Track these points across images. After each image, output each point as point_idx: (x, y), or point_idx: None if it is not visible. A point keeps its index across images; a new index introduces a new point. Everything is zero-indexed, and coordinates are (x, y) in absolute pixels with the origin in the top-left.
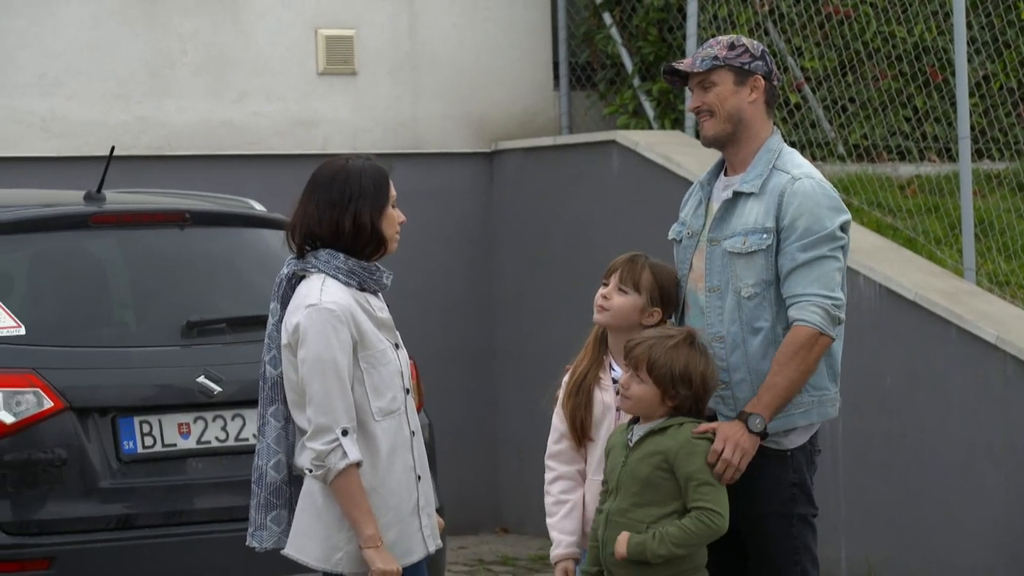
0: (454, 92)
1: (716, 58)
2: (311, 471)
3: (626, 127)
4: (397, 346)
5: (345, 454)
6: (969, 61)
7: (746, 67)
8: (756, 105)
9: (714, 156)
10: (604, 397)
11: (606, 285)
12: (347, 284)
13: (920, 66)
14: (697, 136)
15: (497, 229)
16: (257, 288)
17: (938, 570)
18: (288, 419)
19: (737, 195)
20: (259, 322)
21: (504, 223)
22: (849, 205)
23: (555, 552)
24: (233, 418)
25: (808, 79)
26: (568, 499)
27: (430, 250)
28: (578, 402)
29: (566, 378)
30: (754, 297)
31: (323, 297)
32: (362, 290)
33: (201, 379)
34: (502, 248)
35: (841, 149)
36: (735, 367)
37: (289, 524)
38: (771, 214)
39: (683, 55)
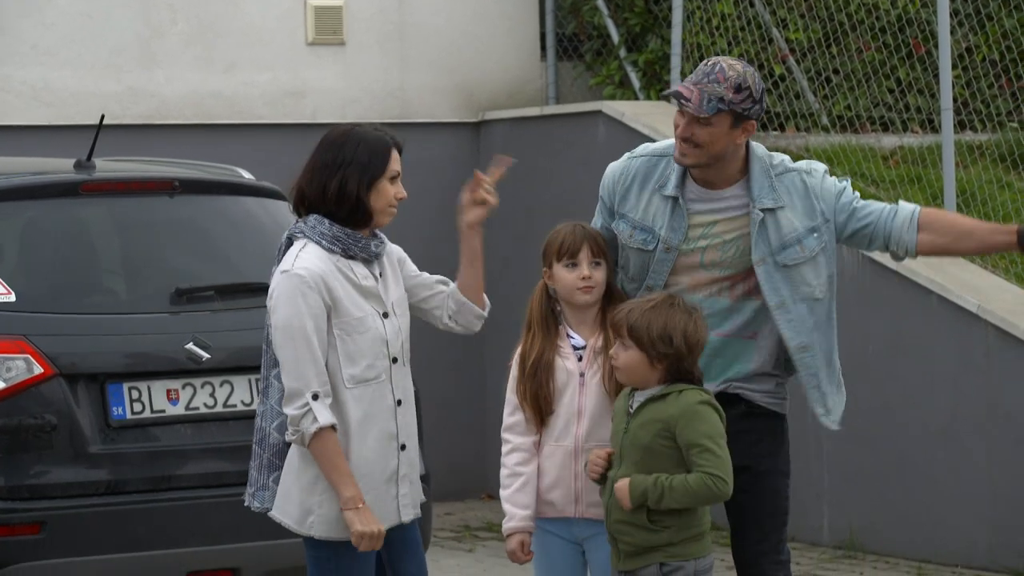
0: (442, 63)
1: (723, 100)
2: (289, 436)
3: (612, 98)
4: (385, 315)
5: (315, 418)
6: (952, 33)
7: (746, 113)
8: (740, 143)
9: None
10: (567, 364)
11: (574, 265)
12: (330, 250)
13: (903, 38)
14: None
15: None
16: (245, 256)
17: (921, 537)
18: None
19: (763, 211)
20: (247, 289)
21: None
22: (833, 175)
23: (508, 524)
24: (221, 384)
25: (793, 51)
26: (523, 471)
27: (417, 220)
28: (537, 382)
29: (516, 358)
30: (825, 295)
31: (296, 263)
32: (348, 257)
33: (190, 346)
34: (489, 218)
35: (825, 120)
36: (823, 365)
37: None
38: (807, 214)
39: (669, 27)
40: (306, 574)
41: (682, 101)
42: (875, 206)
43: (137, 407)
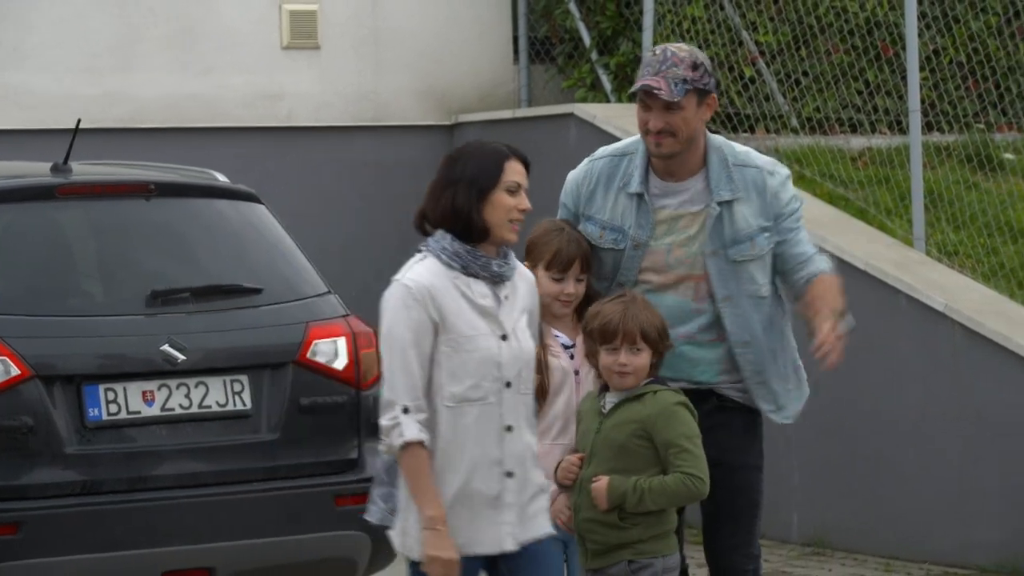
0: (416, 66)
1: (686, 81)
2: (380, 447)
3: (584, 100)
4: (504, 337)
5: (402, 432)
6: (919, 35)
7: (706, 88)
8: (706, 119)
9: None
10: (561, 363)
11: (560, 280)
12: (448, 265)
13: (872, 40)
14: None
15: None
16: (220, 258)
17: (890, 534)
18: None
19: (720, 204)
20: (222, 291)
21: None
22: (802, 177)
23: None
24: (196, 386)
25: (762, 53)
26: None
27: (391, 221)
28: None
29: None
30: (769, 294)
31: (408, 274)
32: (468, 275)
33: (165, 347)
34: None
35: (794, 122)
36: (768, 362)
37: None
38: (762, 212)
39: (640, 30)
40: (281, 573)
41: (654, 92)
42: (802, 246)
43: (113, 408)
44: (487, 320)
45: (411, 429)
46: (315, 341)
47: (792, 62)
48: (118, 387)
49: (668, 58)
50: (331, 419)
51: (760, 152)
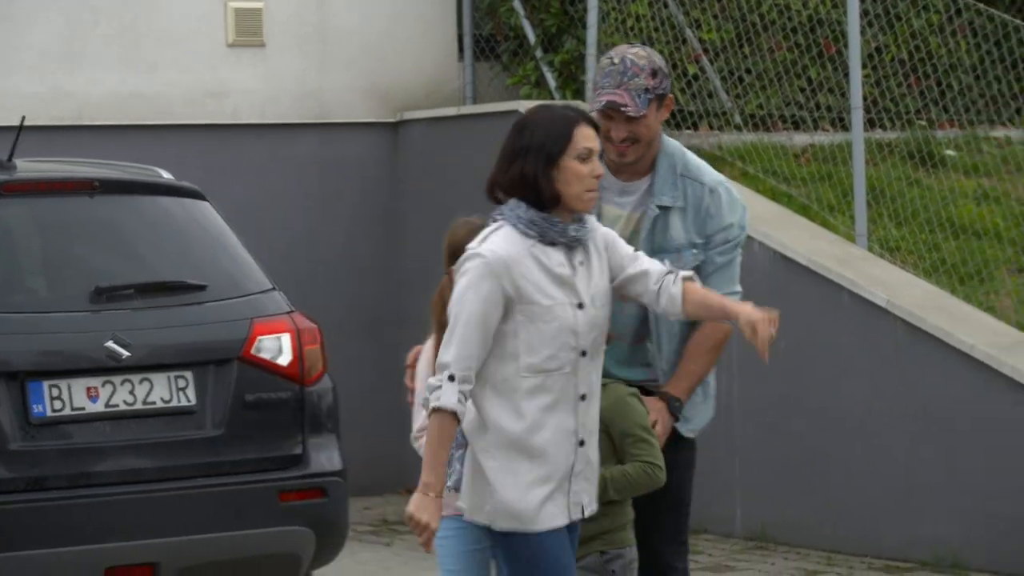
0: (360, 64)
1: (648, 91)
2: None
3: (529, 97)
4: (580, 305)
5: (439, 397)
6: (862, 33)
7: (664, 91)
8: (664, 119)
9: None
10: None
11: None
12: (525, 234)
13: (814, 38)
14: None
15: (402, 198)
16: (164, 255)
17: (832, 528)
18: None
19: (660, 208)
20: (166, 288)
21: (409, 192)
22: (745, 173)
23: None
24: (141, 382)
25: (706, 50)
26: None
27: (336, 218)
28: None
29: (429, 363)
30: None
31: (484, 244)
32: (545, 242)
33: (110, 344)
34: (407, 217)
35: (738, 119)
36: (667, 362)
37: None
38: (695, 228)
39: (584, 27)
40: (226, 569)
41: (621, 108)
42: (719, 285)
43: (57, 405)
44: (564, 289)
45: (450, 397)
46: (259, 337)
47: (735, 59)
48: (62, 383)
49: (628, 68)
50: (275, 415)
51: (704, 150)
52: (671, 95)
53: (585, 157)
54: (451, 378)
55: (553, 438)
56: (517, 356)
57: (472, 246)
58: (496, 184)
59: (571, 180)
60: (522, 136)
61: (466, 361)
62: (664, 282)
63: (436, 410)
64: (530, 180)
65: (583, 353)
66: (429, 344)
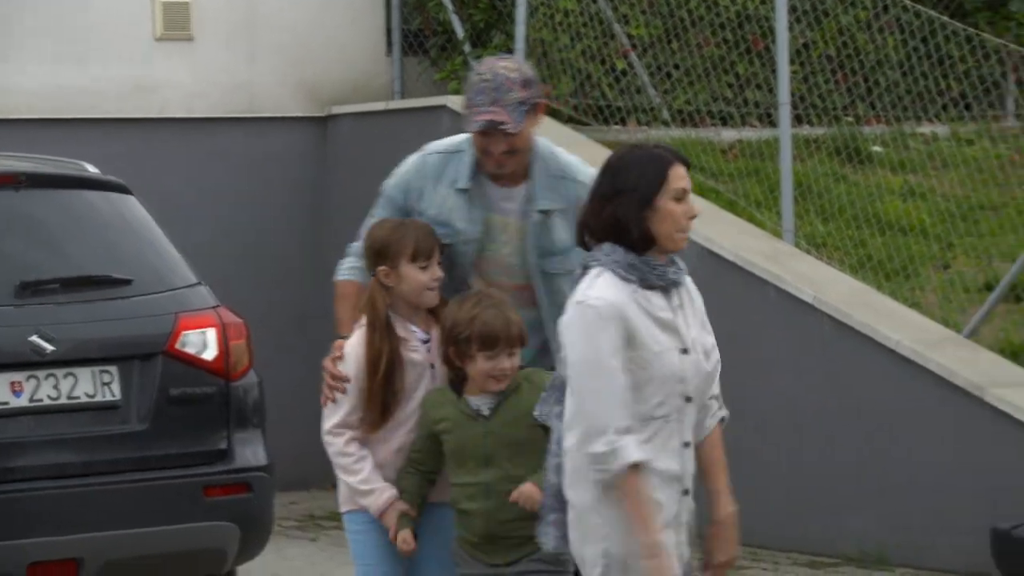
0: (289, 58)
1: (523, 103)
2: (594, 475)
3: (457, 92)
4: (684, 351)
5: (624, 455)
6: (789, 29)
7: (536, 100)
8: (537, 124)
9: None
10: (415, 356)
11: (426, 267)
12: (626, 279)
13: (742, 33)
14: None
15: (330, 192)
16: (90, 249)
17: (758, 524)
18: None
19: (541, 213)
20: (92, 282)
21: (337, 186)
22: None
23: (382, 498)
24: (65, 376)
25: (634, 46)
26: (367, 455)
27: (264, 213)
28: (390, 381)
29: (355, 359)
30: None
31: (590, 292)
32: (646, 287)
33: (34, 338)
34: (335, 211)
35: (666, 114)
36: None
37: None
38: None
39: (513, 22)
40: (151, 564)
41: (500, 127)
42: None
43: None
44: (669, 334)
45: (634, 450)
46: (184, 332)
47: (663, 55)
48: None
49: (501, 83)
50: (201, 410)
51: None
52: (543, 100)
53: (680, 197)
54: (622, 432)
55: (661, 488)
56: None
57: (577, 297)
58: (586, 228)
59: (667, 221)
60: (615, 179)
61: (625, 409)
62: (710, 405)
63: (628, 469)
64: (628, 224)
65: (688, 399)
66: (356, 338)
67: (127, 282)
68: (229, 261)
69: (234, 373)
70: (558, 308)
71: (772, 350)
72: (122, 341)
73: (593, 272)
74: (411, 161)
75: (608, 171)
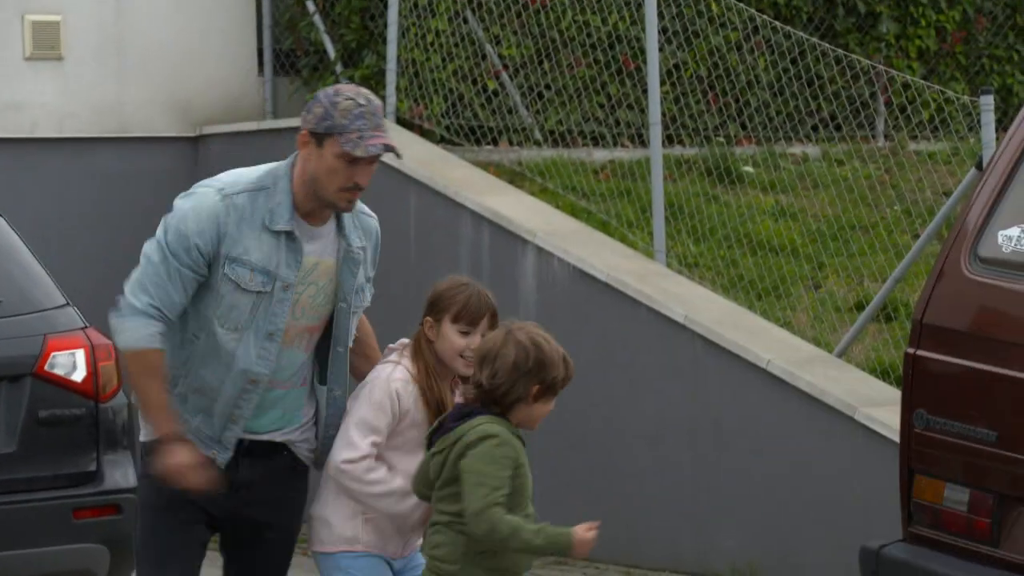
0: (160, 77)
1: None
2: None
3: None
4: None
5: None
6: (660, 50)
7: None
8: None
9: (410, 143)
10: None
11: (467, 334)
12: None
13: (614, 54)
14: (399, 121)
15: None
16: None
17: (631, 543)
18: None
19: (359, 250)
20: None
21: None
22: (545, 189)
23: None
24: None
25: (506, 66)
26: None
27: (134, 234)
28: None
29: (410, 395)
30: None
31: None
32: None
33: None
34: None
35: (538, 135)
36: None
37: None
38: (371, 262)
39: (384, 43)
40: None
41: (390, 152)
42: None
43: None
44: None
45: None
46: (53, 353)
47: (535, 75)
48: None
49: (376, 109)
50: (69, 432)
51: (504, 165)
52: None
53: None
54: None
55: None
56: None
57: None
58: None
59: None
60: None
61: None
62: None
63: None
64: None
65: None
66: (401, 374)
67: None
68: (98, 282)
69: (103, 394)
70: (342, 346)
71: (643, 370)
72: None
73: None
74: (211, 201)
75: None
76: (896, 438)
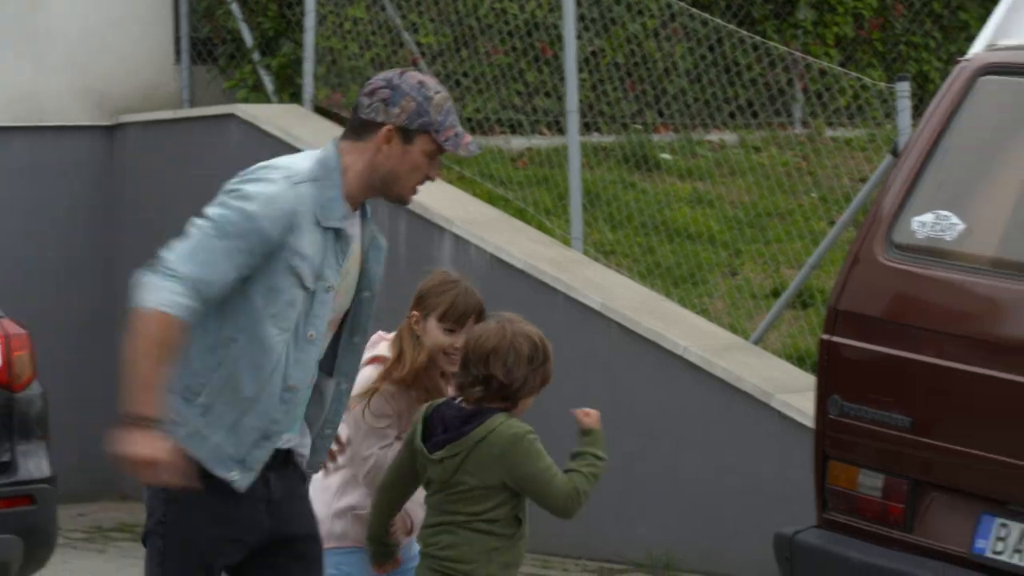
0: (75, 66)
1: None
2: None
3: (246, 101)
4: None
5: None
6: (578, 37)
7: None
8: None
9: (329, 131)
10: None
11: (452, 332)
12: None
13: (531, 41)
14: (316, 110)
15: (118, 201)
16: None
17: (548, 532)
18: None
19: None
20: None
21: (125, 195)
22: (462, 177)
23: None
24: None
25: (423, 54)
26: None
27: (48, 223)
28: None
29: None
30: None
31: None
32: None
33: None
34: (123, 220)
35: None
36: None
37: None
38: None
39: (302, 31)
40: None
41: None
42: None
43: None
44: None
45: None
46: None
47: (453, 63)
48: None
49: (448, 98)
50: None
51: None
52: None
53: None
54: None
55: None
56: None
57: None
58: None
59: None
60: None
61: None
62: None
63: None
64: None
65: None
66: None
67: None
68: (15, 271)
69: (17, 384)
70: (359, 336)
71: (560, 358)
72: None
73: None
74: (282, 187)
75: None
76: (812, 424)
